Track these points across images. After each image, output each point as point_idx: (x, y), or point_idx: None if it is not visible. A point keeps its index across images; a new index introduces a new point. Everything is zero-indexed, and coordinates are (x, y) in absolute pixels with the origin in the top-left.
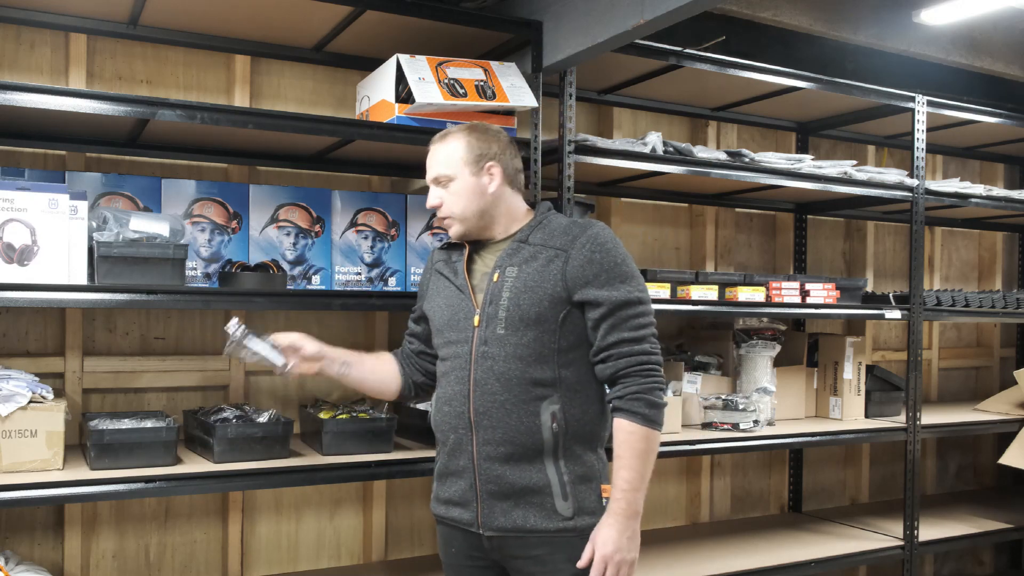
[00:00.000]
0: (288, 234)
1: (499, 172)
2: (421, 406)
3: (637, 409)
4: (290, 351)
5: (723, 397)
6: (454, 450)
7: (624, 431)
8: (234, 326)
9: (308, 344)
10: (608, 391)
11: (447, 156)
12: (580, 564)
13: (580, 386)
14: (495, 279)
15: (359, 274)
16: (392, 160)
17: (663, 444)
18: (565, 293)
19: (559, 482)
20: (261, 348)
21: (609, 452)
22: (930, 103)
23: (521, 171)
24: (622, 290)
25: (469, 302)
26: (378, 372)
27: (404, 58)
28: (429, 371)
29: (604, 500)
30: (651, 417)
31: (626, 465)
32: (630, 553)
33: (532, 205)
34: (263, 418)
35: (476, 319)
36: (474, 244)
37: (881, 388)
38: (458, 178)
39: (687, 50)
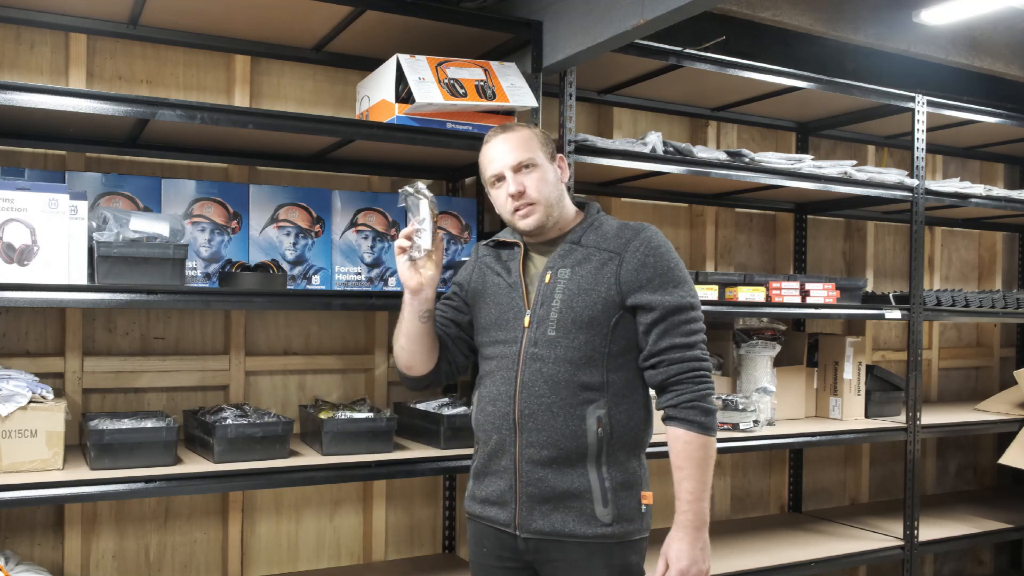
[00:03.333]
0: (288, 234)
1: (566, 165)
2: (420, 406)
3: (693, 417)
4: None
5: (723, 397)
6: (496, 451)
7: (681, 440)
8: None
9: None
10: (658, 398)
11: (526, 143)
12: None
13: (628, 391)
14: (547, 280)
15: (359, 274)
16: (392, 160)
17: (661, 444)
18: (619, 297)
19: (600, 488)
20: (427, 216)
21: (652, 457)
22: (930, 103)
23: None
24: (675, 295)
25: (521, 302)
26: (426, 352)
27: (404, 58)
28: (456, 361)
29: (644, 507)
30: (707, 424)
31: (688, 476)
32: (705, 564)
33: (580, 206)
34: (263, 418)
35: (527, 320)
36: (526, 243)
37: (881, 388)
38: (540, 165)
39: (687, 50)
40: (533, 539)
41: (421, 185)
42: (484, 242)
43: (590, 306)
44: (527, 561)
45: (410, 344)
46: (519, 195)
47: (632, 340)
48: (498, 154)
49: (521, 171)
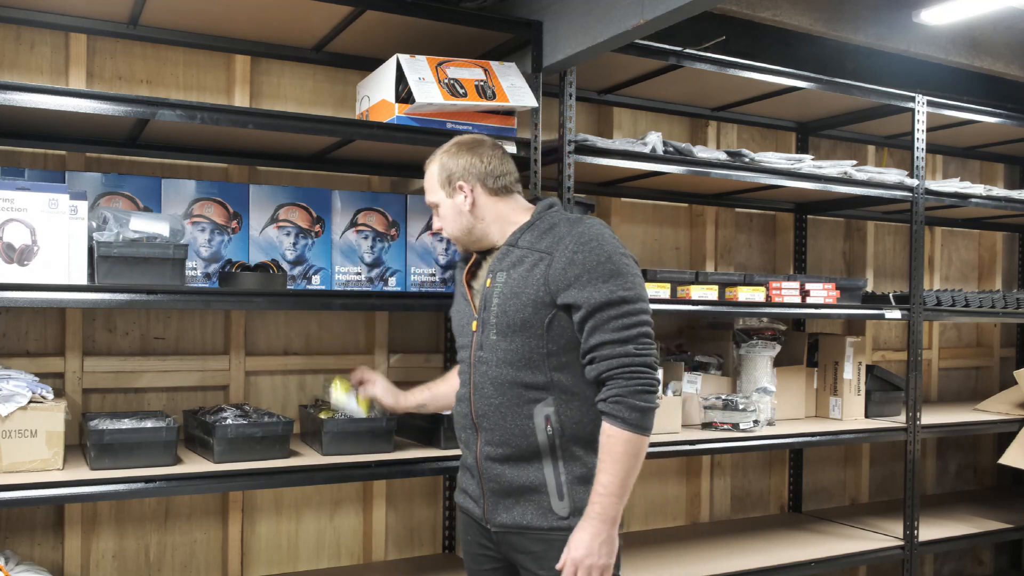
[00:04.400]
0: (288, 234)
1: (470, 188)
2: None
3: (616, 412)
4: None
5: (723, 397)
6: (464, 448)
7: (605, 434)
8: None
9: (386, 399)
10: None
11: (429, 182)
12: (557, 566)
13: (577, 388)
14: (487, 284)
15: (359, 274)
16: (392, 160)
17: (663, 444)
18: (548, 297)
19: (556, 482)
20: (340, 403)
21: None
22: (930, 103)
23: (506, 175)
24: (603, 290)
25: (469, 308)
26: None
27: (404, 58)
28: None
29: None
30: (632, 421)
31: (604, 468)
32: (601, 559)
33: (538, 203)
34: (263, 418)
35: (474, 324)
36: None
37: (881, 388)
38: (440, 203)
39: (687, 50)
40: (500, 532)
41: (331, 386)
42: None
43: (520, 309)
44: (502, 552)
45: (428, 408)
46: (438, 232)
47: (573, 339)
48: None
49: (434, 210)
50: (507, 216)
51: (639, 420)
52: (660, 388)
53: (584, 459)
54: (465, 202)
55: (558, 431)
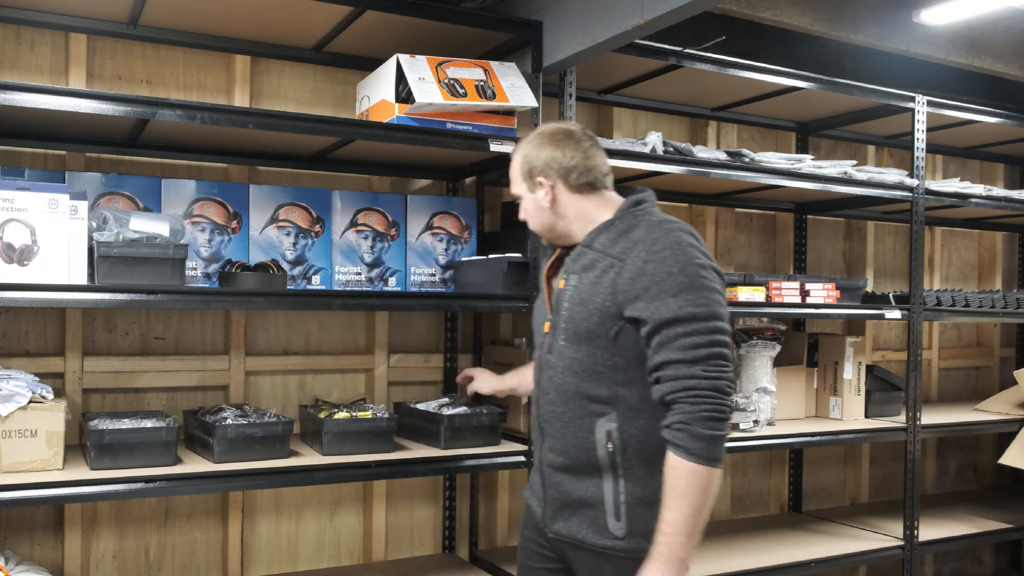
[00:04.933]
0: (288, 234)
1: (549, 183)
2: (420, 406)
3: (680, 441)
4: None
5: None
6: (535, 446)
7: (669, 465)
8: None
9: (484, 385)
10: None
11: (512, 173)
12: None
13: (643, 406)
14: (561, 286)
15: (359, 274)
16: (392, 160)
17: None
18: (615, 308)
19: (614, 501)
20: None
21: None
22: (930, 103)
23: (592, 170)
24: (671, 305)
25: (544, 307)
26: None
27: (404, 58)
28: None
29: None
30: (696, 451)
31: (668, 505)
32: None
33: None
34: (263, 418)
35: (547, 326)
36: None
37: (881, 388)
38: (523, 196)
39: (687, 50)
40: (556, 539)
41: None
42: None
43: (587, 317)
44: (559, 555)
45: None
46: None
47: (643, 353)
48: None
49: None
50: (590, 214)
51: (704, 450)
52: (731, 414)
53: (647, 480)
54: (545, 198)
55: (619, 448)
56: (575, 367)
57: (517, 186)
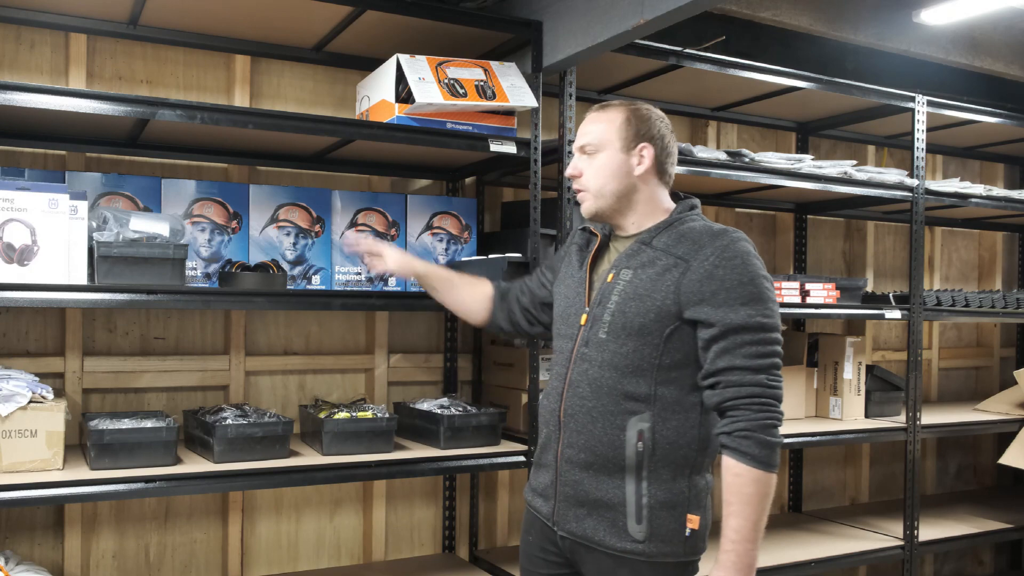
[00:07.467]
0: (288, 234)
1: (650, 156)
2: (420, 406)
3: (746, 448)
4: (372, 258)
5: None
6: (545, 444)
7: (731, 473)
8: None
9: (390, 260)
10: (719, 422)
11: (603, 125)
12: None
13: (679, 407)
14: (609, 279)
15: (359, 274)
16: (392, 160)
17: None
18: (675, 308)
19: (636, 504)
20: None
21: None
22: (930, 103)
23: (674, 164)
24: (741, 313)
25: (582, 298)
26: (467, 302)
27: (404, 58)
28: (519, 325)
29: (689, 531)
30: (761, 458)
31: (735, 512)
32: None
33: (679, 200)
34: (263, 418)
35: (583, 318)
36: (608, 235)
37: (881, 388)
38: (606, 151)
39: (687, 50)
40: (568, 539)
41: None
42: (581, 226)
43: (642, 313)
44: (567, 558)
45: (446, 305)
46: (573, 177)
47: (690, 354)
48: (579, 130)
49: (584, 153)
50: (656, 204)
51: (768, 457)
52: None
53: (670, 483)
54: (639, 167)
55: (649, 449)
56: (617, 361)
57: (603, 138)
